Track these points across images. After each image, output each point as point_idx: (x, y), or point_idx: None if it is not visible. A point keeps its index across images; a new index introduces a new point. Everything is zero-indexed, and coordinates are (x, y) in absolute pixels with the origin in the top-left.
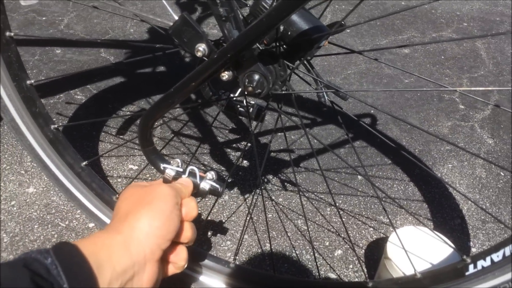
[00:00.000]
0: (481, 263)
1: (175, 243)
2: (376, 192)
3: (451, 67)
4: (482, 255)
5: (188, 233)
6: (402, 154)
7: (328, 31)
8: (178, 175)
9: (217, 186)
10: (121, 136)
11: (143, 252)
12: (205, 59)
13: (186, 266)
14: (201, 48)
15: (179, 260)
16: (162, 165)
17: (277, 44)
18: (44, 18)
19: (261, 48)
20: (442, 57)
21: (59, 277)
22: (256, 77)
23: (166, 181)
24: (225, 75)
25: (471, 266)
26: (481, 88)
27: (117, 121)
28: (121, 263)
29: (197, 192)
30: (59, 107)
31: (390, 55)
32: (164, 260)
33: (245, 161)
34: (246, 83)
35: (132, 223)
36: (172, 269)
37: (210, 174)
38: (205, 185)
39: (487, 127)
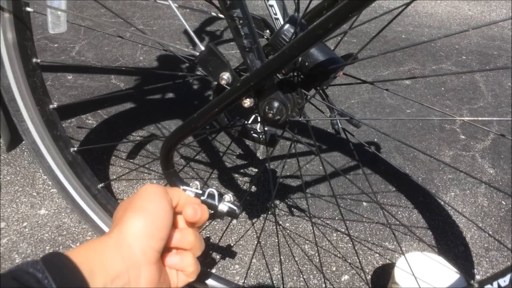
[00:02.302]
0: None
1: (178, 249)
2: (386, 218)
3: (451, 99)
4: (489, 280)
5: (189, 237)
6: (406, 181)
7: (344, 63)
8: (197, 197)
9: (235, 208)
10: (131, 160)
11: (134, 255)
12: (227, 87)
13: (197, 272)
14: (225, 76)
15: (185, 266)
16: (182, 187)
17: (295, 74)
18: (56, 45)
19: (280, 77)
20: (442, 88)
21: (50, 286)
22: (276, 104)
23: None
24: (247, 102)
25: None
26: (485, 118)
27: (127, 145)
28: (114, 267)
29: (215, 214)
30: (71, 131)
31: (392, 86)
32: (172, 269)
33: (252, 186)
34: (266, 110)
35: (120, 228)
36: (183, 278)
37: (228, 196)
38: (223, 207)
39: (487, 157)
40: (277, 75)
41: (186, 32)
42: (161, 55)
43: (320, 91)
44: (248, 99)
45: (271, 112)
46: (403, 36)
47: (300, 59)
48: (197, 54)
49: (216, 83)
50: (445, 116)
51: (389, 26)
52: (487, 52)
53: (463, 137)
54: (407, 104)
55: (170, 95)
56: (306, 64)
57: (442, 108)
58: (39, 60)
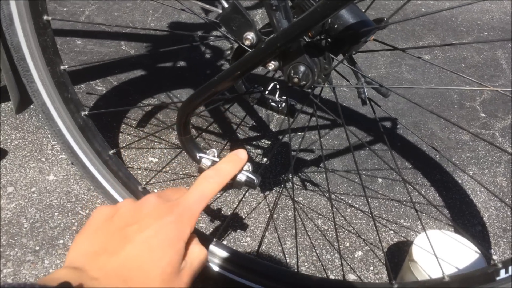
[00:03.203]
0: None
1: None
2: (409, 194)
3: (472, 75)
4: None
5: None
6: (423, 158)
7: (375, 26)
8: (214, 165)
9: (253, 177)
10: (141, 128)
11: None
12: (248, 49)
13: None
14: (250, 36)
15: None
16: (198, 155)
17: (322, 37)
18: (65, 9)
19: (306, 40)
20: (463, 64)
21: None
22: (302, 68)
23: (201, 170)
24: (272, 65)
25: (502, 271)
26: None
27: (137, 113)
28: None
29: (232, 183)
30: (80, 97)
31: (411, 61)
32: None
33: (264, 159)
34: (292, 74)
35: None
36: None
37: (246, 166)
38: (241, 176)
39: (508, 136)
40: (304, 37)
41: None
42: (173, 22)
43: (348, 56)
44: (272, 62)
45: (297, 76)
46: (423, 9)
47: (329, 20)
48: (220, 11)
49: (235, 46)
50: (480, 86)
51: None
52: (509, 28)
53: (483, 115)
54: (426, 79)
55: (182, 63)
56: (335, 26)
57: (462, 84)
58: (50, 18)
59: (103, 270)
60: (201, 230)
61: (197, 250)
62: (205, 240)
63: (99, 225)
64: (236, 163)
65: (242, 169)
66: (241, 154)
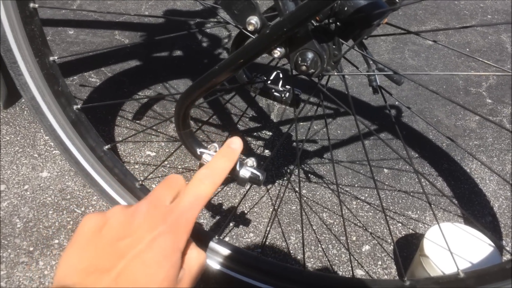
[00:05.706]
0: None
1: None
2: (422, 185)
3: (477, 60)
4: None
5: None
6: (429, 147)
7: (389, 8)
8: None
9: (258, 173)
10: (138, 121)
11: None
12: (251, 35)
13: None
14: (253, 21)
15: None
16: (199, 150)
17: (331, 20)
18: None
19: (314, 24)
20: (467, 49)
21: None
22: (310, 55)
23: (202, 166)
24: (277, 52)
25: None
26: None
27: (133, 105)
28: None
29: (236, 180)
30: (73, 89)
31: (414, 46)
32: None
33: (266, 151)
34: (299, 62)
35: None
36: None
37: (251, 161)
38: (245, 172)
39: None
40: (312, 21)
41: None
42: (168, 9)
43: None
44: (278, 49)
45: (305, 64)
46: None
47: (338, 2)
48: None
49: (237, 32)
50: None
51: None
52: None
53: (489, 101)
54: (430, 66)
55: (178, 52)
56: (345, 9)
57: (467, 70)
58: (37, 5)
59: None
60: (202, 226)
61: (194, 256)
62: (206, 237)
63: (88, 238)
64: (230, 156)
65: (238, 160)
66: (234, 144)
